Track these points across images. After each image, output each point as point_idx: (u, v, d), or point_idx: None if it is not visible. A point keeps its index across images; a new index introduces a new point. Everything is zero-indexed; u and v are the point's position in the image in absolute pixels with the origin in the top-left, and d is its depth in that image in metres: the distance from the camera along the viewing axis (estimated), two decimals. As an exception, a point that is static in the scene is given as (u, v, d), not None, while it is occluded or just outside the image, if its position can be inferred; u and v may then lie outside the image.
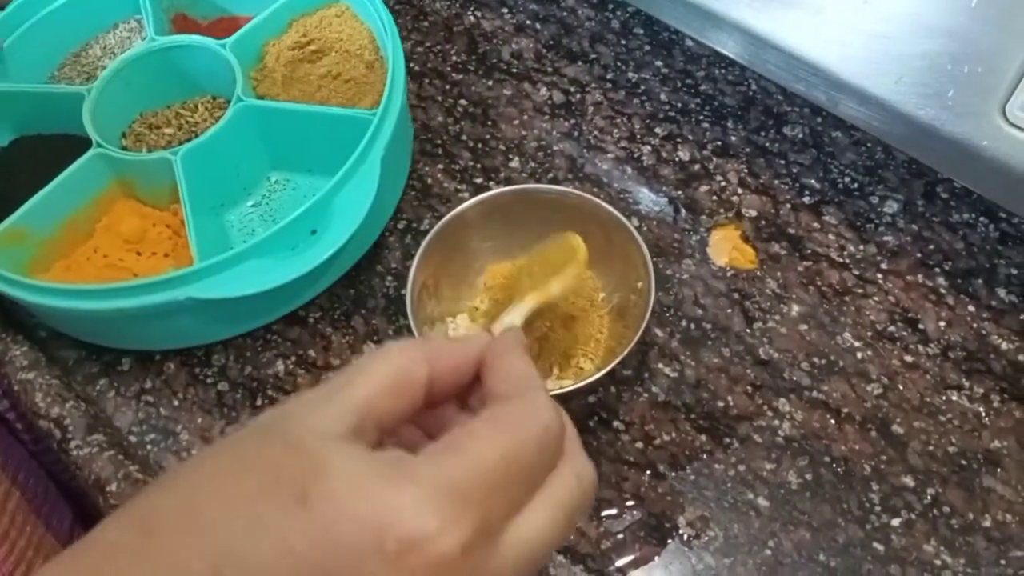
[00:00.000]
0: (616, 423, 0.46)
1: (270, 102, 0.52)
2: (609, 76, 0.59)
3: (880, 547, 0.42)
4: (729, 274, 0.51)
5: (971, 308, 0.49)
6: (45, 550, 0.50)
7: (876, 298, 0.49)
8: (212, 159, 0.50)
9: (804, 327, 0.49)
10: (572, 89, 0.58)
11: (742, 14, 0.46)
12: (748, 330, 0.49)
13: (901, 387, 0.47)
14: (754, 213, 0.53)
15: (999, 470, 0.44)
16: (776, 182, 0.54)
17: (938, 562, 0.42)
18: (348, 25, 0.56)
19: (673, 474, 0.45)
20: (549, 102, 0.58)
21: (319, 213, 0.47)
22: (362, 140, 0.48)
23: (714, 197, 0.53)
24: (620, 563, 0.43)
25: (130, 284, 0.45)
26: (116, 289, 0.45)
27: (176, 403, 0.49)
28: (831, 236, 0.52)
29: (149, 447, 0.47)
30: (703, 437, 0.46)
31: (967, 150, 0.42)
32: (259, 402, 0.48)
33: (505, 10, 0.62)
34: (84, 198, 0.50)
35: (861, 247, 0.51)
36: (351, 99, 0.53)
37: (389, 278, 0.52)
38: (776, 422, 0.46)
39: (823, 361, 0.48)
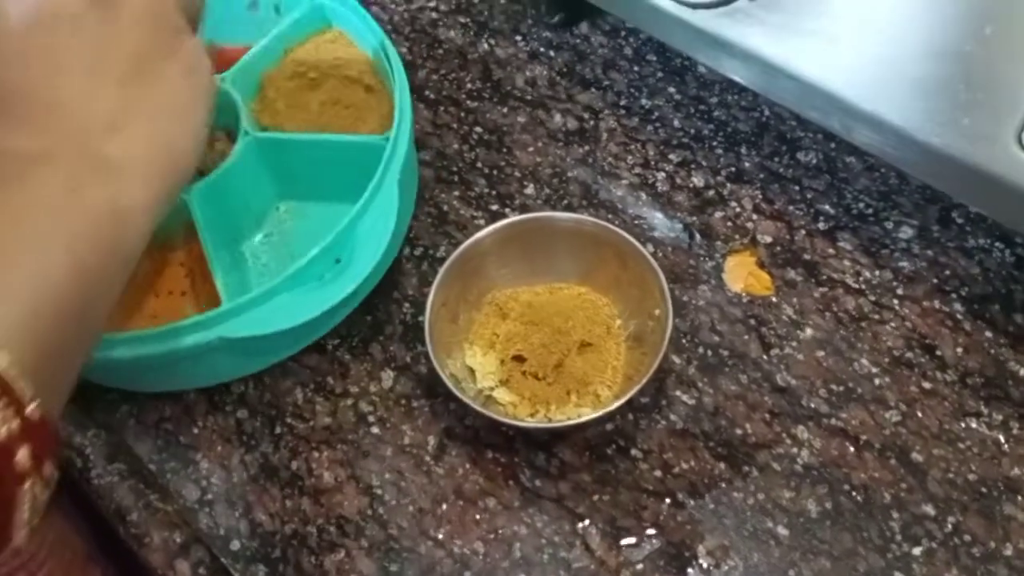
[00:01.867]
0: (634, 451, 0.46)
1: (278, 133, 0.52)
2: (622, 103, 0.59)
3: (901, 576, 0.42)
4: (745, 300, 0.51)
5: (988, 334, 0.49)
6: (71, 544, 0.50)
7: (893, 324, 0.49)
8: (224, 195, 0.50)
9: (821, 353, 0.49)
10: (586, 116, 0.59)
11: (755, 43, 0.46)
12: (765, 357, 0.49)
13: (920, 414, 0.47)
14: (769, 239, 0.53)
15: (1019, 497, 0.44)
16: (791, 208, 0.54)
17: (960, 591, 0.42)
18: (344, 51, 0.56)
19: (692, 502, 0.45)
20: (563, 129, 0.58)
21: (342, 241, 0.47)
22: (377, 165, 0.48)
23: (729, 223, 0.54)
24: (639, 592, 0.43)
25: (160, 330, 0.44)
26: (145, 336, 0.44)
27: (195, 431, 0.49)
28: (847, 262, 0.52)
29: (169, 476, 0.48)
30: (722, 465, 0.46)
31: (982, 177, 0.42)
32: (277, 430, 0.49)
33: (519, 38, 0.63)
34: None
35: (877, 273, 0.51)
36: (353, 124, 0.54)
37: (406, 305, 0.52)
38: (795, 450, 0.46)
39: (841, 388, 0.48)
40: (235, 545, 0.45)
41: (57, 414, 0.32)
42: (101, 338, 0.34)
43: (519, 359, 0.48)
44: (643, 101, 0.59)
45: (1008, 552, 0.42)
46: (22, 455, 0.27)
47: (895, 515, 0.44)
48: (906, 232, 0.52)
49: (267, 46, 0.55)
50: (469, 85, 0.61)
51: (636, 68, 0.61)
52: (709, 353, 0.49)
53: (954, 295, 0.50)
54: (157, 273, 0.51)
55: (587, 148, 0.57)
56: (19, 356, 0.28)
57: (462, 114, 0.60)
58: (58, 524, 0.49)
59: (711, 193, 0.55)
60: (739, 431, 0.47)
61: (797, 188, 0.55)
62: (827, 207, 0.54)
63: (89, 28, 0.35)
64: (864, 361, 0.48)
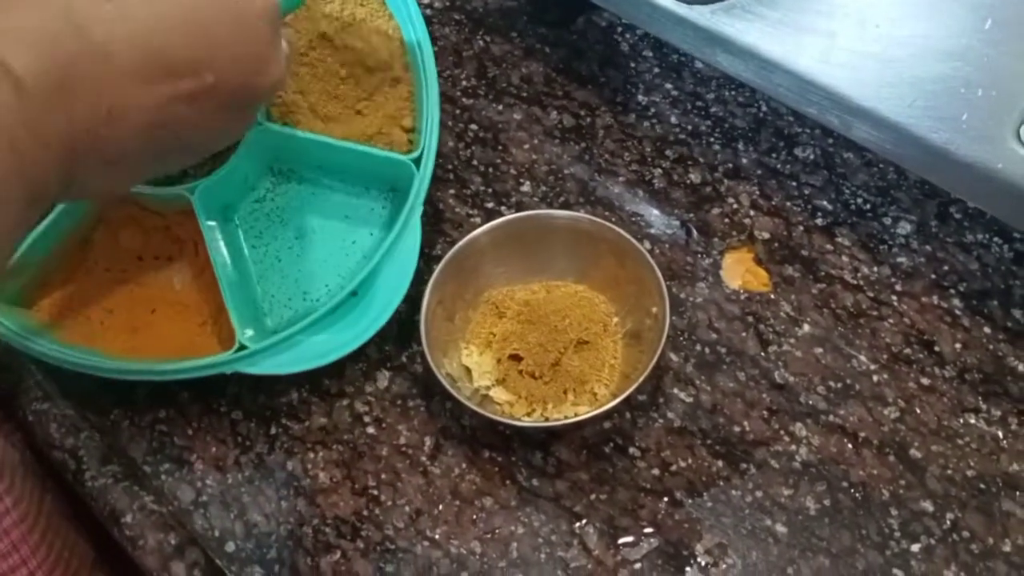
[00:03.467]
0: (632, 449, 0.46)
1: (294, 131, 0.51)
2: (619, 99, 0.59)
3: (900, 573, 0.42)
4: (743, 297, 0.51)
5: (987, 330, 0.49)
6: (78, 550, 0.50)
7: (891, 320, 0.49)
8: (227, 182, 0.50)
9: (819, 350, 0.49)
10: (582, 113, 0.59)
11: (752, 39, 0.46)
12: (763, 354, 0.49)
13: (918, 410, 0.46)
14: (767, 235, 0.53)
15: (1018, 493, 0.44)
16: (788, 204, 0.54)
17: (959, 589, 0.41)
18: (372, 13, 0.53)
19: (690, 501, 0.45)
20: (559, 126, 0.58)
21: (365, 281, 0.47)
22: (391, 173, 0.48)
23: (726, 220, 0.53)
24: (638, 591, 0.43)
25: (178, 365, 0.45)
26: (161, 369, 0.45)
27: (190, 432, 0.49)
28: (844, 258, 0.51)
29: (163, 477, 0.47)
30: (720, 463, 0.45)
31: (981, 173, 0.42)
32: (273, 430, 0.48)
33: (514, 34, 0.63)
34: (78, 218, 0.50)
35: (875, 269, 0.51)
36: (365, 98, 0.52)
37: (402, 304, 0.52)
38: (793, 447, 0.46)
39: (839, 385, 0.47)
40: (230, 547, 0.45)
41: None
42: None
43: (516, 358, 0.48)
44: (640, 97, 0.59)
45: (1007, 548, 0.42)
46: None
47: (894, 512, 0.44)
48: (904, 228, 0.52)
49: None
50: (464, 82, 0.61)
51: (632, 64, 0.60)
52: (707, 350, 0.49)
53: (952, 291, 0.50)
54: (144, 238, 0.50)
55: (584, 145, 0.57)
56: None
57: (457, 111, 0.59)
58: (64, 531, 0.49)
59: (708, 190, 0.55)
60: (737, 428, 0.46)
61: (795, 184, 0.54)
62: (825, 203, 0.53)
63: None
64: (862, 357, 0.48)
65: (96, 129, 0.34)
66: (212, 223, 0.48)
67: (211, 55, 0.37)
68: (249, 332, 0.47)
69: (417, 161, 0.50)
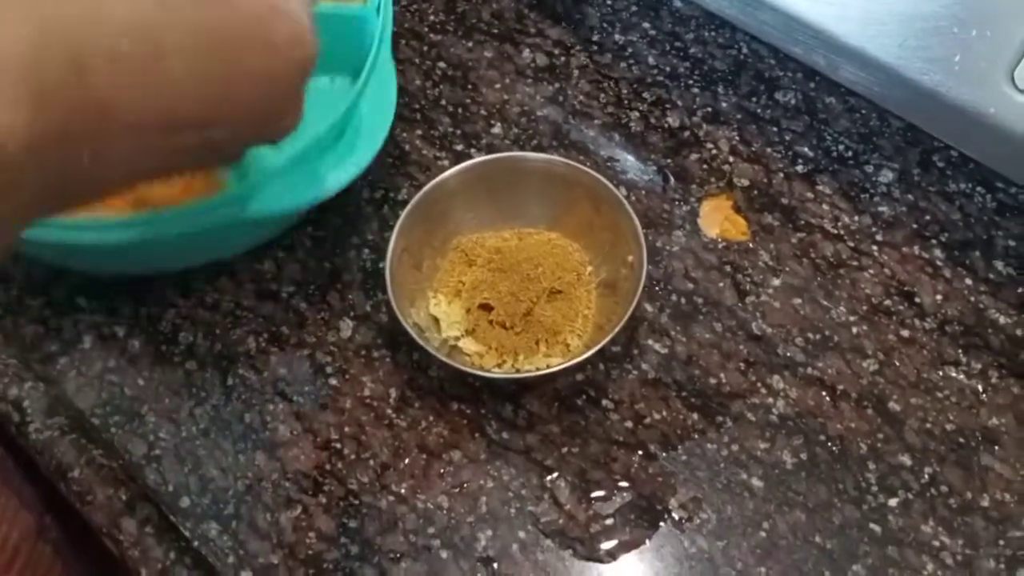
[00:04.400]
0: (605, 401, 0.45)
1: None
2: (595, 38, 0.56)
3: (877, 528, 0.41)
4: (721, 246, 0.49)
5: (968, 281, 0.47)
6: (19, 522, 0.47)
7: (871, 271, 0.48)
8: None
9: (798, 301, 0.47)
10: (556, 51, 0.56)
11: (738, -28, 0.44)
12: (740, 304, 0.47)
13: (897, 363, 0.45)
14: (746, 182, 0.51)
15: (997, 448, 0.43)
16: (768, 150, 0.52)
17: (936, 543, 0.41)
18: None
19: (664, 454, 0.43)
20: (532, 65, 0.55)
21: (347, 118, 0.43)
22: (351, 34, 0.45)
23: (704, 166, 0.51)
24: (609, 546, 0.41)
25: (171, 214, 0.39)
26: (152, 220, 0.39)
27: (141, 383, 0.46)
28: (825, 206, 0.50)
29: (113, 430, 0.45)
30: (695, 416, 0.44)
31: (973, 117, 0.40)
32: (229, 381, 0.46)
33: (485, -32, 0.59)
34: None
35: (856, 218, 0.49)
36: None
37: (366, 250, 0.49)
38: (770, 400, 0.44)
39: (817, 336, 0.46)
40: (185, 502, 0.43)
41: None
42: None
43: (486, 307, 0.46)
44: (616, 37, 0.56)
45: (985, 503, 0.42)
46: None
47: (871, 466, 0.43)
48: (886, 176, 0.51)
49: None
50: (432, 17, 0.58)
51: (609, 2, 0.58)
52: (683, 300, 0.47)
53: (934, 241, 0.49)
54: None
55: (557, 86, 0.55)
56: None
57: (425, 48, 0.56)
58: (3, 501, 0.47)
59: (686, 134, 0.53)
60: (713, 381, 0.45)
61: (775, 129, 0.52)
62: (806, 149, 0.52)
63: None
64: (841, 309, 0.47)
65: (69, 175, 0.28)
66: None
67: (227, 113, 0.30)
68: None
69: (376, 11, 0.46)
